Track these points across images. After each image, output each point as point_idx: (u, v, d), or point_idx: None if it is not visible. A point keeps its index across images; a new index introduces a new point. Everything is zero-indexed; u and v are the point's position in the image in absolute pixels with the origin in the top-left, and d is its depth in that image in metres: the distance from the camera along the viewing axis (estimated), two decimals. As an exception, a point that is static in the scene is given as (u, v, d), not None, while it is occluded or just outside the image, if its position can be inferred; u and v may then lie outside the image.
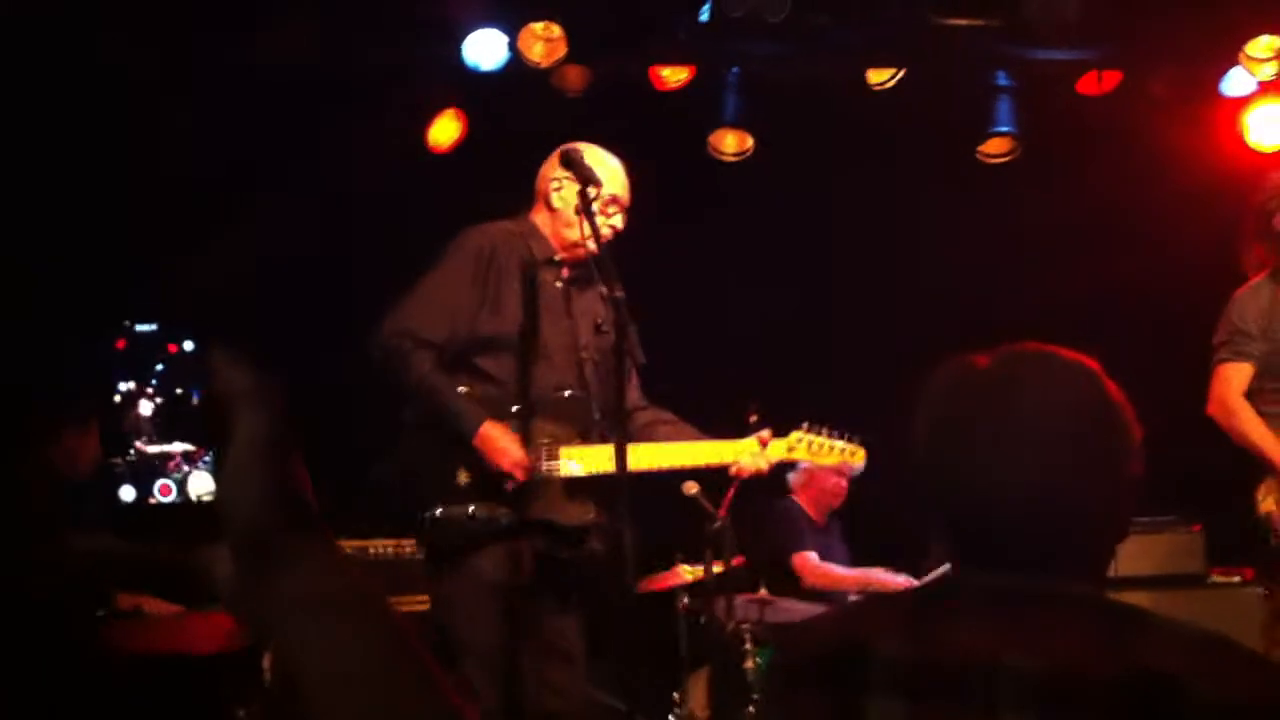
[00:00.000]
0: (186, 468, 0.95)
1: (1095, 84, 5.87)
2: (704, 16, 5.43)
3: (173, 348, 0.93)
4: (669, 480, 3.94)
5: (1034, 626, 1.43)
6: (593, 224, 3.52)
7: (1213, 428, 4.23)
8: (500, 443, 3.61)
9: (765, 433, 3.82)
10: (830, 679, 1.49)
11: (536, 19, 5.34)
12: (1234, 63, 5.63)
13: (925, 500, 1.56)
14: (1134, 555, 4.80)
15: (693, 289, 5.99)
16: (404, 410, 3.76)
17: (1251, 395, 4.15)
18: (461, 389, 3.69)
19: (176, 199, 5.15)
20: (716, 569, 4.43)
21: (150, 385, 0.93)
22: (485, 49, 5.36)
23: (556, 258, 3.87)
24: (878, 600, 1.60)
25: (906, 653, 1.45)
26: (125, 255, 5.13)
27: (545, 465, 3.67)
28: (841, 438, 3.90)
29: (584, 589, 3.80)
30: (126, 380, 0.93)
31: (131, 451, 0.92)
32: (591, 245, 3.57)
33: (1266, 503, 4.04)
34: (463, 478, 3.65)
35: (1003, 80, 5.87)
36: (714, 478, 4.09)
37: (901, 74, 5.76)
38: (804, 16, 5.36)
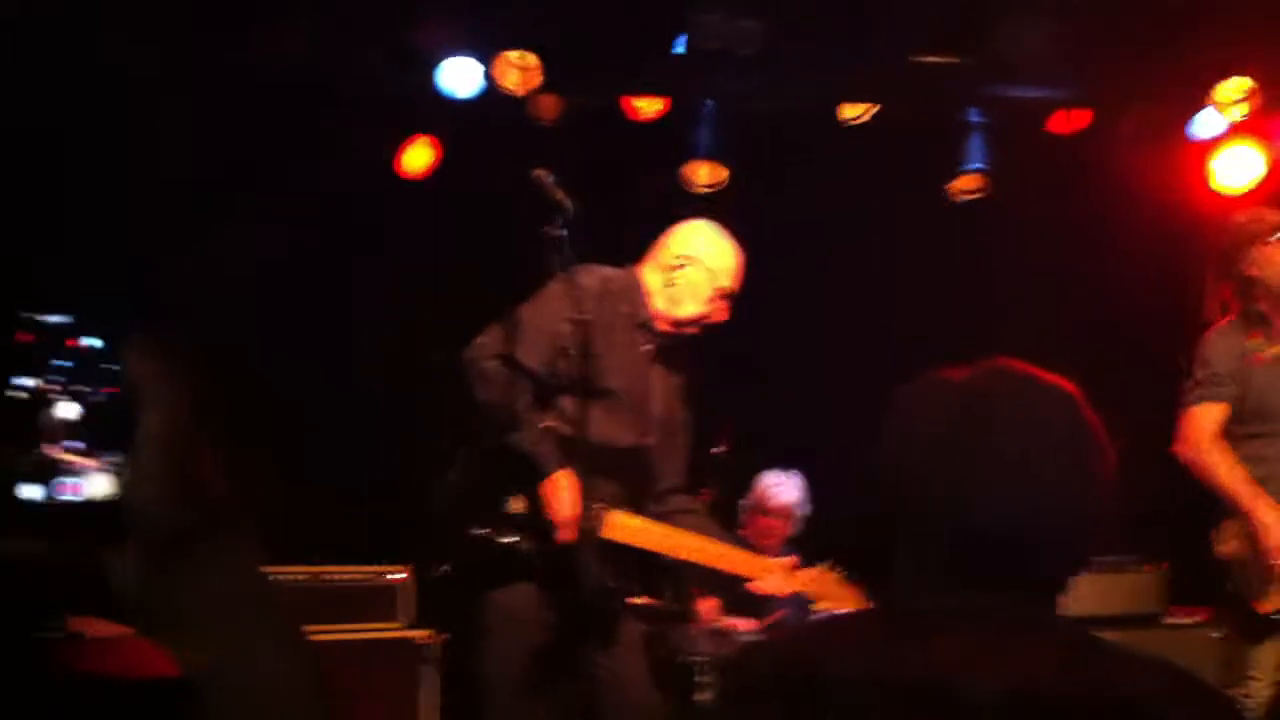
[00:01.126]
0: (87, 466, 0.92)
1: (1065, 122, 5.93)
2: (678, 48, 5.46)
3: (72, 342, 0.89)
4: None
5: (993, 650, 1.42)
6: (559, 255, 3.53)
7: (1179, 467, 4.24)
8: (565, 494, 3.58)
9: (793, 559, 3.90)
10: (784, 703, 1.47)
11: (512, 48, 5.35)
12: (1203, 104, 5.69)
13: (892, 520, 1.54)
14: (1093, 594, 4.81)
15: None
16: (465, 430, 3.74)
17: (1233, 440, 4.14)
18: (546, 424, 3.69)
19: (90, 194, 5.10)
20: (674, 602, 4.42)
21: (60, 382, 0.90)
22: (461, 77, 5.37)
23: (654, 324, 3.87)
24: (833, 621, 1.57)
25: (862, 676, 1.43)
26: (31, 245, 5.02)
27: (590, 526, 3.65)
28: (853, 586, 3.92)
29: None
30: (33, 376, 0.90)
31: (37, 451, 0.89)
32: (691, 329, 3.85)
33: (1226, 545, 4.04)
34: (516, 506, 3.65)
35: (974, 117, 5.92)
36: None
37: (875, 109, 5.80)
38: (777, 51, 5.40)
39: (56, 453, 0.80)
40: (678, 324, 3.87)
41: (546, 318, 3.69)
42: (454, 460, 3.75)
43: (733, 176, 5.86)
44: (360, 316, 5.59)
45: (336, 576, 4.61)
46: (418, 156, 5.67)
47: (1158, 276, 5.56)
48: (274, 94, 5.22)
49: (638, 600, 4.71)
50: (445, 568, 3.77)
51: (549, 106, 5.64)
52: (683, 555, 3.77)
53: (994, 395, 1.50)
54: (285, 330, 5.37)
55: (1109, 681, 1.37)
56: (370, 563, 4.76)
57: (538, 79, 5.37)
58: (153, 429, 0.77)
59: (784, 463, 5.77)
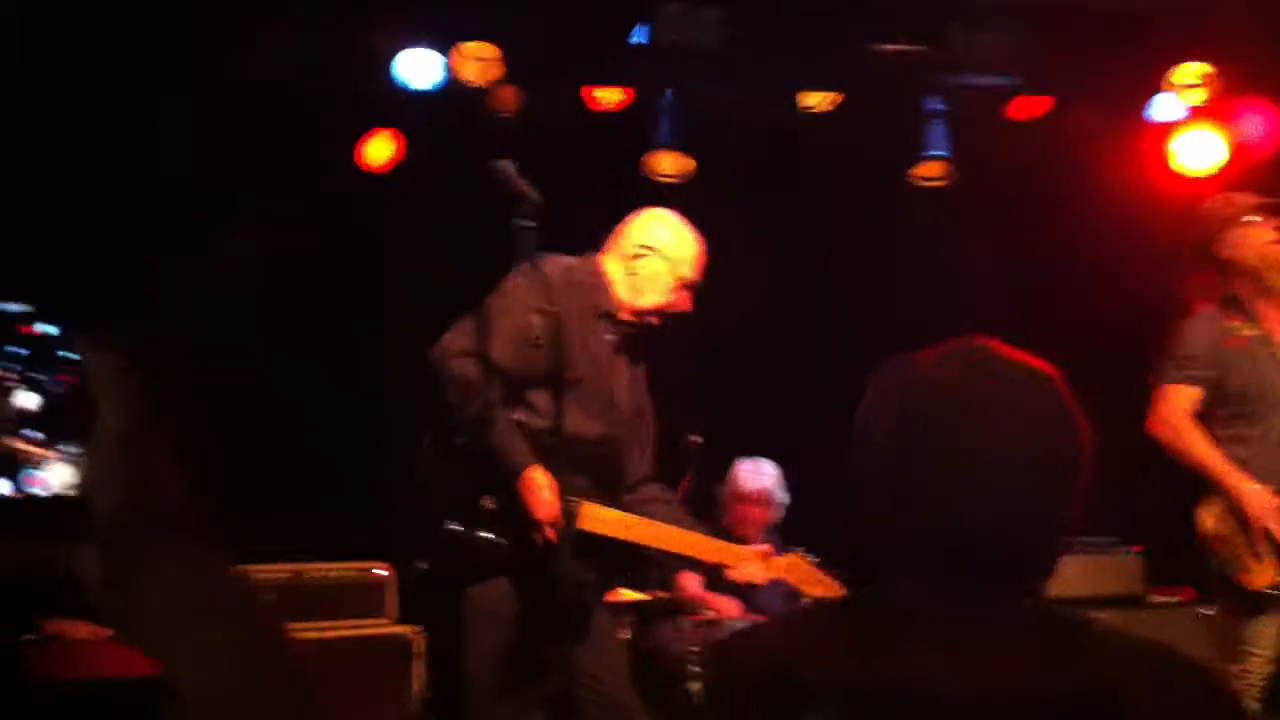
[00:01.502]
0: (48, 457, 0.89)
1: (1025, 109, 5.96)
2: (638, 39, 5.44)
3: (26, 329, 0.86)
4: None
5: (967, 651, 1.38)
6: (523, 246, 3.50)
7: (1151, 450, 4.25)
8: (542, 492, 3.55)
9: (768, 547, 3.90)
10: (763, 703, 1.45)
11: (470, 39, 5.32)
12: (1159, 89, 5.73)
13: (867, 513, 1.49)
14: (1074, 577, 4.83)
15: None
16: (435, 427, 3.70)
17: (1202, 421, 4.16)
18: (516, 418, 3.65)
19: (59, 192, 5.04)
20: (660, 592, 4.43)
21: (16, 370, 0.87)
22: (419, 68, 5.34)
23: (617, 314, 3.83)
24: (809, 621, 1.53)
25: (839, 681, 1.41)
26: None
27: (567, 519, 3.62)
28: (828, 573, 3.92)
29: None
30: None
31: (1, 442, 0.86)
32: (654, 319, 3.81)
33: (1207, 524, 4.06)
34: (487, 503, 3.62)
35: (935, 105, 5.94)
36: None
37: (838, 99, 5.81)
38: (738, 41, 5.40)
39: (17, 444, 0.77)
40: (639, 314, 3.85)
41: (514, 311, 3.65)
42: (424, 457, 3.73)
43: (699, 166, 5.84)
44: (328, 313, 5.54)
45: (320, 574, 4.57)
46: (379, 149, 5.63)
47: (1121, 258, 5.59)
48: (238, 92, 5.17)
49: (623, 595, 4.71)
50: (423, 565, 3.75)
51: (509, 98, 5.61)
52: (658, 545, 3.76)
53: (971, 387, 1.45)
54: (257, 328, 5.32)
55: (1087, 676, 1.34)
56: (345, 560, 4.72)
57: (497, 70, 5.33)
58: (109, 427, 0.74)
59: (758, 452, 5.78)
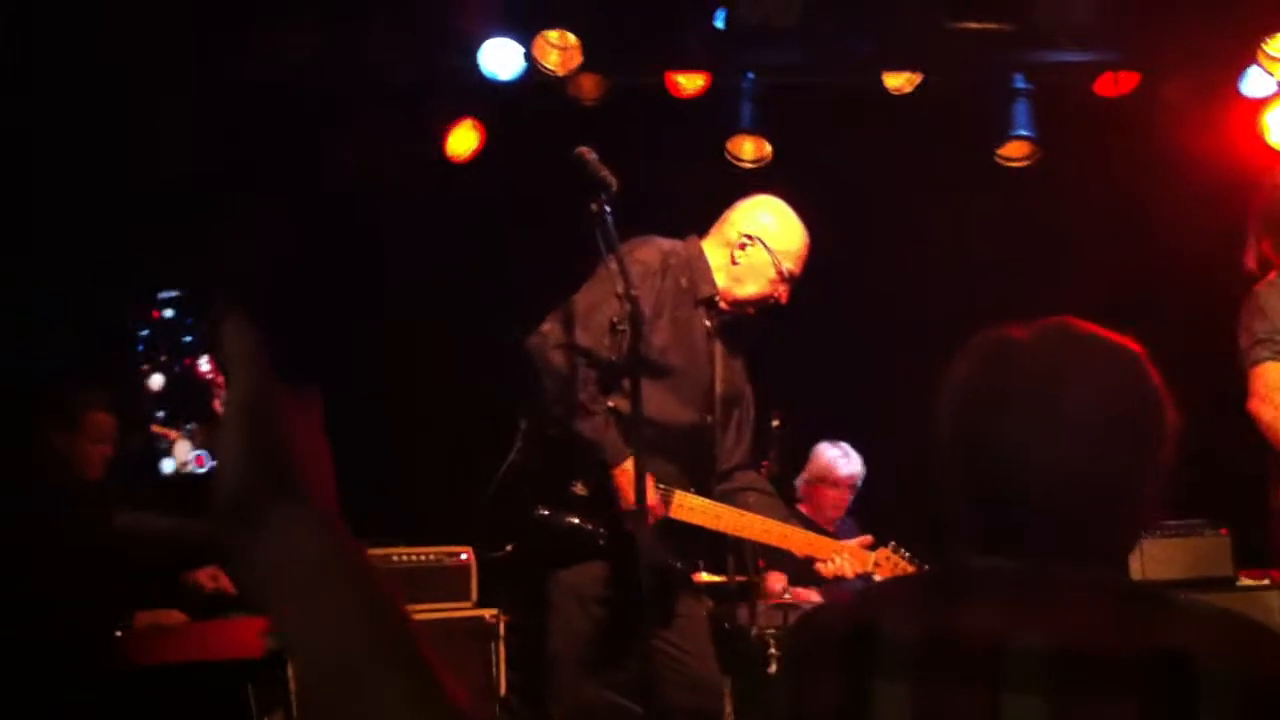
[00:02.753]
0: (178, 438, 0.92)
1: (1112, 86, 5.85)
2: (718, 23, 5.43)
3: (155, 314, 0.90)
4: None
5: (1043, 608, 1.40)
6: (604, 232, 3.49)
7: (1236, 429, 4.18)
8: (636, 483, 3.50)
9: (868, 538, 3.86)
10: (839, 662, 1.46)
11: (551, 28, 5.35)
12: (1252, 62, 5.61)
13: (948, 478, 1.51)
14: (1162, 559, 4.77)
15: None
16: (530, 415, 3.74)
17: None
18: (611, 404, 3.67)
19: (181, 199, 5.13)
20: (738, 575, 4.43)
21: (148, 355, 0.90)
22: (501, 59, 5.37)
23: (716, 299, 3.82)
24: (890, 583, 1.56)
25: (913, 634, 1.43)
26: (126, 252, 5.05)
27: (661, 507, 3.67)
28: (916, 563, 3.89)
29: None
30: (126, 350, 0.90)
31: (149, 426, 0.89)
32: (750, 310, 3.81)
33: None
34: (579, 489, 3.66)
35: (1020, 84, 5.86)
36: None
37: (919, 79, 5.75)
38: (816, 23, 5.36)
39: (158, 428, 0.81)
40: (737, 303, 3.83)
41: (603, 299, 3.66)
42: (521, 443, 3.75)
43: (777, 151, 5.82)
44: (415, 302, 5.61)
45: (407, 557, 4.65)
46: (463, 140, 5.68)
47: (1214, 236, 5.48)
48: (314, 83, 5.24)
49: (705, 577, 4.74)
50: (508, 548, 3.78)
51: (590, 86, 5.63)
52: (747, 535, 3.75)
53: (1054, 353, 1.47)
54: (344, 316, 5.40)
55: (1161, 635, 1.34)
56: (424, 544, 4.79)
57: (578, 58, 5.36)
58: (238, 395, 0.77)
59: (838, 435, 5.77)
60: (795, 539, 3.78)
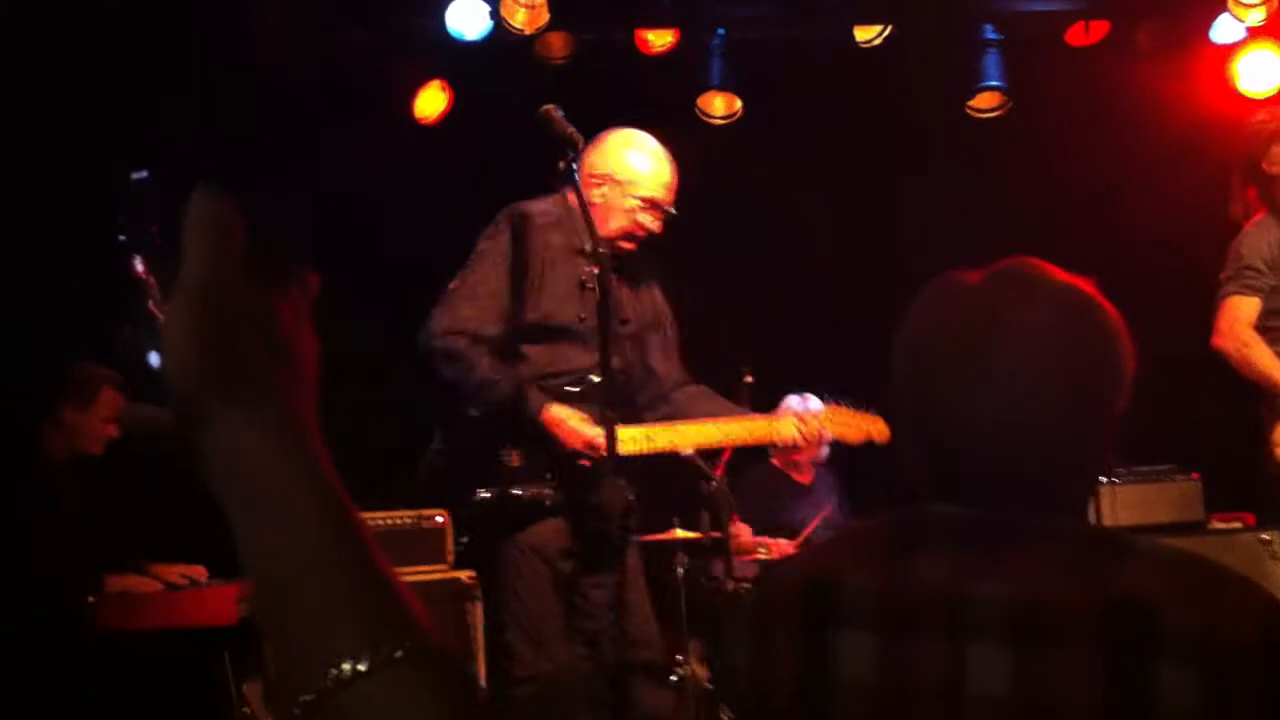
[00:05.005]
0: None
1: (1083, 35, 5.84)
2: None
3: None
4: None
5: (1005, 558, 1.39)
6: (574, 189, 3.54)
7: (1205, 376, 4.21)
8: (571, 422, 3.66)
9: (802, 403, 3.94)
10: (802, 614, 1.46)
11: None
12: (1222, 9, 5.59)
13: (901, 428, 1.52)
14: (1133, 504, 4.80)
15: (683, 253, 5.96)
16: (453, 401, 3.77)
17: (1258, 332, 4.13)
18: (516, 371, 3.75)
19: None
20: (713, 531, 4.45)
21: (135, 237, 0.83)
22: (468, 18, 5.32)
23: (589, 247, 3.80)
24: (849, 535, 1.55)
25: (874, 586, 1.42)
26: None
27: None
28: (865, 412, 3.91)
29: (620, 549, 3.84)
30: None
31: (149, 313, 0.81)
32: (626, 244, 3.79)
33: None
34: (514, 460, 3.68)
35: (990, 34, 5.83)
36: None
37: (888, 31, 5.72)
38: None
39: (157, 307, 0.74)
40: (610, 242, 3.80)
41: (493, 277, 3.76)
42: (437, 431, 3.81)
43: (747, 106, 5.79)
44: (382, 265, 5.58)
45: (382, 521, 4.65)
46: (431, 101, 5.63)
47: (1185, 183, 5.49)
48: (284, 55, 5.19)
49: (679, 533, 4.77)
50: (464, 540, 3.85)
51: (559, 44, 5.59)
52: (687, 446, 3.78)
53: (1003, 302, 1.44)
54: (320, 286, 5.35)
55: (1120, 583, 1.33)
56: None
57: (545, 16, 5.31)
58: (189, 277, 0.68)
59: (809, 388, 5.77)
60: (736, 431, 3.79)
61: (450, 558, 4.68)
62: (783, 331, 5.93)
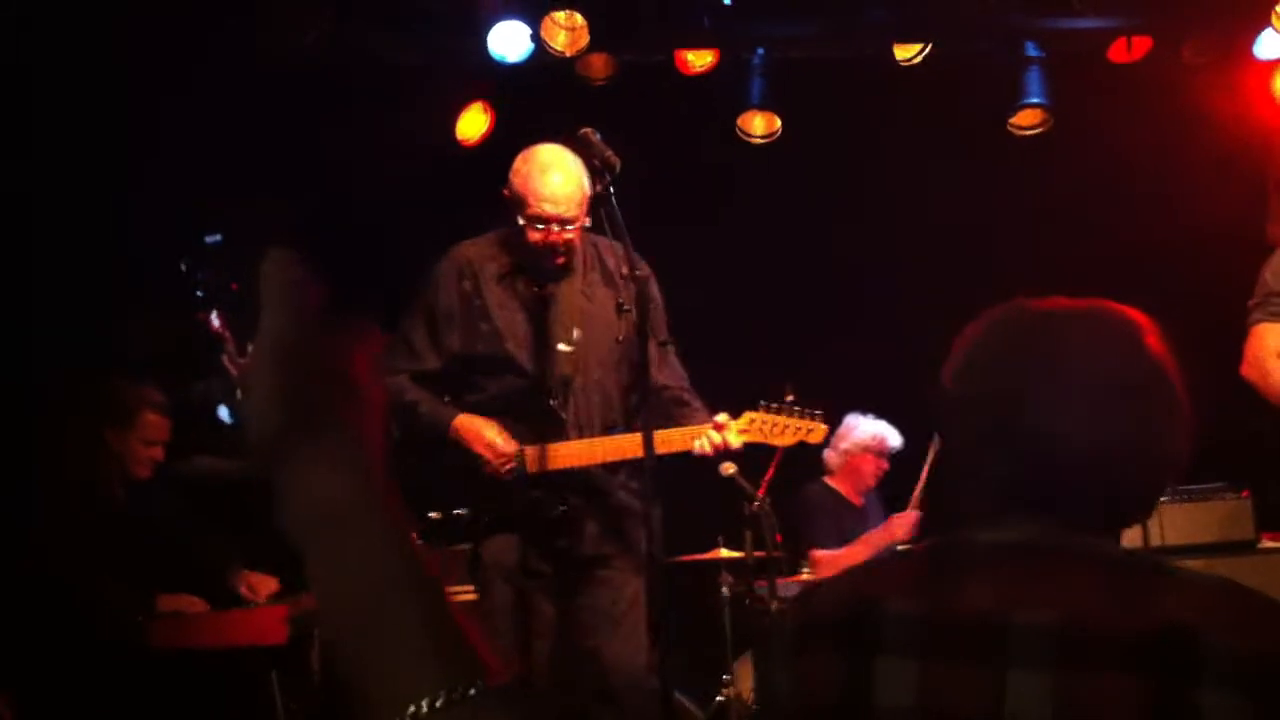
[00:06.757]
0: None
1: (1125, 52, 5.81)
2: (725, -1, 5.41)
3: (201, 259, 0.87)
4: (706, 461, 3.94)
5: (1046, 584, 1.40)
6: (609, 212, 3.58)
7: (1255, 392, 4.16)
8: (484, 433, 3.75)
9: (722, 416, 3.81)
10: (842, 640, 1.46)
11: (558, 8, 5.33)
12: (1265, 25, 5.55)
13: (957, 446, 1.52)
14: (1183, 523, 4.75)
15: (726, 272, 5.98)
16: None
17: None
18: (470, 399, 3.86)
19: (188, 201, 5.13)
20: (756, 551, 4.44)
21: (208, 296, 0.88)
22: (509, 41, 5.36)
23: (521, 270, 3.88)
24: (892, 558, 1.56)
25: (918, 610, 1.43)
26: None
27: (520, 466, 3.78)
28: (802, 414, 3.86)
29: (595, 568, 3.85)
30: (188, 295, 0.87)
31: (221, 367, 0.86)
32: (550, 260, 3.77)
33: None
34: (449, 480, 3.77)
35: (1032, 51, 5.82)
36: (755, 457, 4.10)
37: (928, 49, 5.72)
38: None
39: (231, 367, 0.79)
40: (532, 254, 3.82)
41: (427, 322, 3.85)
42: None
43: (787, 125, 5.80)
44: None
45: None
46: (473, 123, 5.67)
47: (1230, 199, 5.45)
48: (323, 70, 5.23)
49: (724, 553, 4.76)
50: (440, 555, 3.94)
51: (599, 66, 5.61)
52: (616, 457, 3.77)
53: (1066, 329, 1.47)
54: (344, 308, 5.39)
55: (1162, 608, 1.34)
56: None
57: (585, 39, 5.34)
58: (268, 335, 0.73)
59: (853, 407, 5.79)
60: (668, 440, 3.71)
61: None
62: (824, 348, 5.92)
